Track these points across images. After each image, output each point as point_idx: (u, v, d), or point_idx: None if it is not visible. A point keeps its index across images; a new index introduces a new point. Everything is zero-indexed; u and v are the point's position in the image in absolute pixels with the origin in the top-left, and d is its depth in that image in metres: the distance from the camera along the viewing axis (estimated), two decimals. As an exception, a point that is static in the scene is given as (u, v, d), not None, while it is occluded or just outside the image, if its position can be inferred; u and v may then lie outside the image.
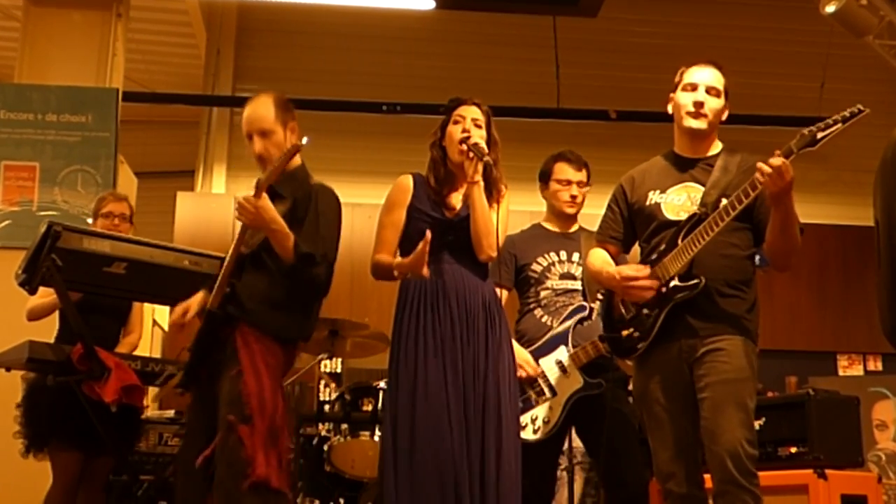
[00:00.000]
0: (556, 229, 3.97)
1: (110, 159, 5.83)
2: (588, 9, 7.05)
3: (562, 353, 3.76)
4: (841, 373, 8.29)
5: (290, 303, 3.11)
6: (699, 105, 3.09)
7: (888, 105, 8.18)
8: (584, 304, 3.79)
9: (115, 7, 6.13)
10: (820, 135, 2.79)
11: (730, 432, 2.86)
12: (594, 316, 3.75)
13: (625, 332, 3.14)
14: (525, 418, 3.69)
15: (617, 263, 3.22)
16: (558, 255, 3.87)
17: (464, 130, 3.28)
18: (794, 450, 3.96)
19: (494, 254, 3.23)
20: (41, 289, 3.92)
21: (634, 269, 3.08)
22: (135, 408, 4.04)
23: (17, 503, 4.61)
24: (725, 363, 2.93)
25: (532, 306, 3.86)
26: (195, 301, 3.20)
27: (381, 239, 3.34)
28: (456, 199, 3.34)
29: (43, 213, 5.57)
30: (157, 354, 7.64)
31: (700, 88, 3.11)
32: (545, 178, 3.97)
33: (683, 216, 3.06)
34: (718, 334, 2.96)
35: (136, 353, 4.35)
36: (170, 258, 3.94)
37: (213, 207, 7.72)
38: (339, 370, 7.49)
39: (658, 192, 3.15)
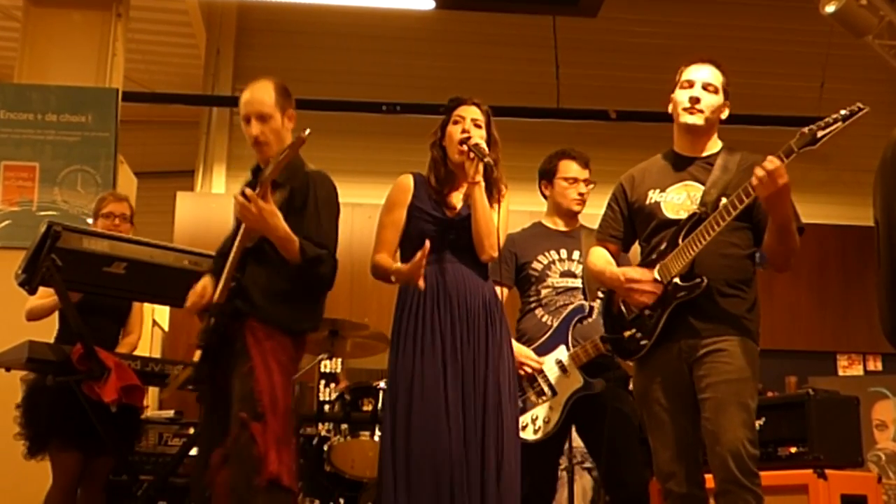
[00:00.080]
0: (556, 227, 3.96)
1: (110, 159, 5.83)
2: (588, 9, 7.05)
3: (561, 353, 3.76)
4: (841, 373, 8.29)
5: (297, 295, 3.11)
6: (695, 101, 3.10)
7: (888, 105, 8.19)
8: (584, 302, 3.79)
9: (115, 7, 6.13)
10: (820, 133, 2.79)
11: (731, 432, 2.86)
12: (594, 314, 3.75)
13: (627, 333, 3.14)
14: (525, 418, 3.69)
15: (617, 262, 3.22)
16: (559, 254, 3.87)
17: (463, 131, 3.28)
18: (793, 450, 3.96)
19: (496, 254, 3.24)
20: (41, 289, 3.92)
21: (639, 273, 3.08)
22: (134, 408, 4.04)
23: (18, 502, 4.61)
24: (727, 363, 2.93)
25: (533, 305, 3.85)
26: (206, 286, 3.18)
27: (382, 239, 3.34)
28: (456, 199, 3.34)
29: (43, 213, 5.57)
30: (157, 354, 7.65)
31: (696, 85, 3.11)
32: (549, 175, 3.96)
33: (683, 215, 3.07)
34: (719, 335, 2.96)
35: (136, 353, 4.35)
36: (170, 258, 3.94)
37: (212, 207, 7.71)
38: (339, 370, 7.50)
39: (658, 190, 3.15)
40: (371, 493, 4.57)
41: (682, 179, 3.14)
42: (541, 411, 3.73)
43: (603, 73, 8.67)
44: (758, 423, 3.00)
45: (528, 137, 7.20)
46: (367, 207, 6.47)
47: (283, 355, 3.06)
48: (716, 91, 3.12)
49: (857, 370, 8.32)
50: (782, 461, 3.95)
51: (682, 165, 3.17)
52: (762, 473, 2.91)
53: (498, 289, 3.37)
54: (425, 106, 7.25)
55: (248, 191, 3.00)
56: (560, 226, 3.96)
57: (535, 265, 3.86)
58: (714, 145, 3.18)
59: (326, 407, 5.23)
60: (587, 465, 5.16)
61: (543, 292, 3.84)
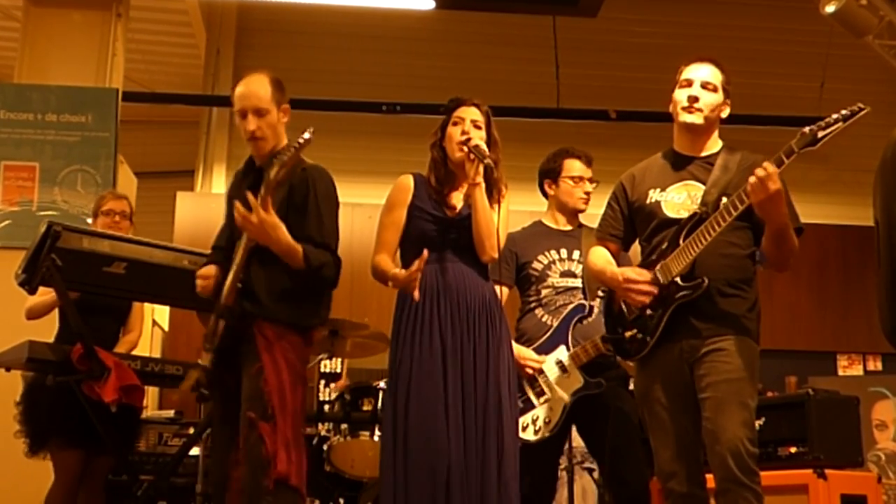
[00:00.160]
0: (557, 226, 3.96)
1: (110, 159, 5.83)
2: (588, 9, 7.05)
3: (562, 353, 3.75)
4: (841, 373, 8.30)
5: (303, 292, 3.11)
6: (693, 100, 3.10)
7: (888, 105, 8.18)
8: (584, 302, 3.79)
9: (115, 7, 6.14)
10: (821, 133, 2.79)
11: (731, 431, 2.86)
12: (594, 314, 3.75)
13: (628, 333, 3.14)
14: (526, 419, 3.69)
15: (617, 262, 3.22)
16: (559, 253, 3.87)
17: (463, 132, 3.28)
18: (793, 450, 3.96)
19: (496, 254, 3.24)
20: (40, 288, 3.92)
21: (637, 273, 3.08)
22: (134, 408, 4.04)
23: (18, 501, 4.61)
24: (727, 363, 2.93)
25: (533, 305, 3.85)
26: (211, 270, 3.18)
27: (382, 239, 3.34)
28: (457, 199, 3.35)
29: (43, 213, 5.58)
30: (157, 354, 7.65)
31: (695, 84, 3.11)
32: (553, 174, 3.94)
33: (684, 214, 3.07)
34: (720, 334, 2.96)
35: (136, 352, 4.35)
36: (170, 258, 3.94)
37: (212, 207, 7.69)
38: (339, 370, 7.50)
39: (658, 190, 3.15)
40: (371, 493, 4.58)
41: (683, 179, 3.14)
42: (541, 412, 3.73)
43: (603, 73, 8.67)
44: (758, 423, 3.00)
45: (528, 137, 7.20)
46: (367, 207, 6.47)
47: (292, 354, 3.06)
48: (715, 90, 3.12)
49: (857, 370, 8.33)
50: (782, 461, 3.96)
51: (682, 165, 3.17)
52: (762, 473, 2.91)
53: (498, 288, 3.37)
54: (425, 106, 7.25)
55: (251, 198, 2.97)
56: (561, 224, 3.96)
57: (536, 265, 3.86)
58: (714, 144, 3.18)
59: (326, 407, 5.23)
60: (587, 465, 5.16)
61: (543, 292, 3.84)
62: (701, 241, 2.96)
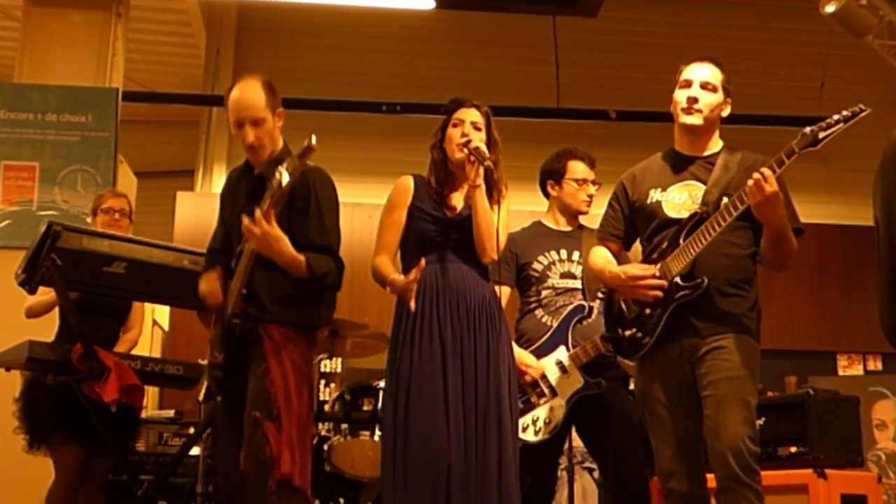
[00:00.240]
0: (557, 227, 3.96)
1: (110, 159, 5.83)
2: (588, 9, 7.05)
3: (561, 354, 3.75)
4: (841, 372, 8.30)
5: (307, 294, 3.12)
6: (692, 101, 3.10)
7: (888, 105, 8.18)
8: (584, 303, 3.79)
9: (115, 7, 6.14)
10: (822, 134, 2.79)
11: (732, 429, 2.86)
12: (594, 315, 3.74)
13: (627, 333, 3.14)
14: (526, 420, 3.69)
15: (618, 261, 3.22)
16: (559, 254, 3.87)
17: (463, 134, 3.28)
18: (793, 449, 3.96)
19: (497, 256, 3.25)
20: (40, 287, 3.92)
21: (640, 269, 3.08)
22: (133, 407, 4.04)
23: (18, 500, 4.61)
24: (727, 361, 2.93)
25: (533, 306, 3.85)
26: (213, 283, 3.19)
27: (382, 241, 3.35)
28: (457, 200, 3.35)
29: (43, 213, 5.57)
30: (157, 354, 7.65)
31: (694, 84, 3.11)
32: (557, 176, 3.93)
33: (684, 214, 3.07)
34: (720, 333, 2.97)
35: (136, 352, 4.35)
36: (170, 258, 3.94)
37: (212, 207, 7.61)
38: (339, 370, 7.50)
39: (659, 189, 3.15)
40: (371, 493, 4.58)
41: (684, 179, 3.14)
42: (541, 412, 3.72)
43: (603, 73, 8.67)
44: (758, 423, 3.00)
45: (529, 137, 7.20)
46: (367, 207, 6.48)
47: (297, 354, 3.07)
48: (714, 90, 3.12)
49: (857, 370, 8.33)
50: (782, 461, 3.95)
51: (683, 165, 3.17)
52: (762, 473, 2.91)
53: (498, 289, 3.37)
54: (425, 106, 7.25)
55: (257, 212, 2.97)
56: (561, 225, 3.96)
57: (536, 266, 3.86)
58: (715, 144, 3.18)
59: (326, 407, 5.23)
60: (587, 464, 5.16)
61: (544, 293, 3.83)
62: (701, 240, 2.96)
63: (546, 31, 8.30)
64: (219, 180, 8.45)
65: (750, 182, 2.80)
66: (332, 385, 7.25)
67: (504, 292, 3.70)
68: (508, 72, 8.49)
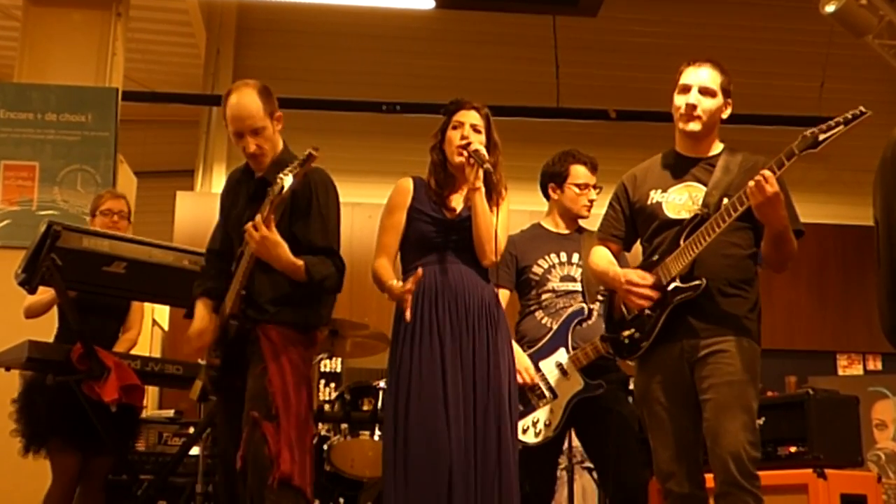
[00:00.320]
0: (557, 230, 3.95)
1: (110, 159, 5.83)
2: (588, 9, 7.05)
3: (561, 356, 3.75)
4: (841, 372, 8.30)
5: (306, 296, 3.13)
6: (692, 108, 3.09)
7: (888, 105, 8.19)
8: (584, 305, 3.78)
9: (115, 7, 6.13)
10: (822, 136, 2.79)
11: (732, 434, 2.86)
12: (594, 317, 3.74)
13: (626, 333, 3.14)
14: (526, 421, 3.68)
15: (618, 261, 3.22)
16: (559, 257, 3.86)
17: (463, 137, 3.28)
18: (793, 449, 3.96)
19: (496, 259, 3.25)
20: (40, 287, 3.92)
21: (639, 276, 3.08)
22: (133, 407, 4.04)
23: (18, 501, 4.61)
24: (729, 364, 2.92)
25: (533, 308, 3.85)
26: (205, 323, 3.19)
27: (382, 243, 3.35)
28: (457, 201, 3.35)
29: (42, 213, 5.57)
30: (156, 354, 7.66)
31: (693, 90, 3.10)
32: (559, 179, 3.90)
33: (685, 215, 3.07)
34: (720, 335, 2.96)
35: (136, 352, 4.35)
36: (169, 258, 3.94)
37: (212, 207, 7.62)
38: (339, 370, 7.50)
39: (659, 191, 3.15)
40: (371, 493, 4.58)
41: (684, 180, 3.14)
42: (541, 414, 3.72)
43: (603, 73, 8.67)
44: (758, 423, 2.99)
45: (529, 137, 7.21)
46: (367, 207, 6.48)
47: (296, 354, 3.08)
48: (713, 94, 3.11)
49: (857, 370, 8.33)
50: (782, 461, 3.95)
51: (683, 166, 3.17)
52: (762, 473, 2.91)
53: (498, 291, 3.37)
54: (425, 106, 7.25)
55: (258, 217, 2.99)
56: (561, 228, 3.95)
57: (536, 269, 3.85)
58: (716, 146, 3.18)
59: (326, 407, 5.23)
60: (587, 464, 5.16)
61: (544, 296, 3.83)
62: (701, 241, 2.96)
63: (546, 30, 8.31)
64: (219, 180, 8.46)
65: (751, 183, 2.80)
66: (332, 385, 7.26)
67: (503, 295, 3.71)
68: (508, 72, 8.50)
